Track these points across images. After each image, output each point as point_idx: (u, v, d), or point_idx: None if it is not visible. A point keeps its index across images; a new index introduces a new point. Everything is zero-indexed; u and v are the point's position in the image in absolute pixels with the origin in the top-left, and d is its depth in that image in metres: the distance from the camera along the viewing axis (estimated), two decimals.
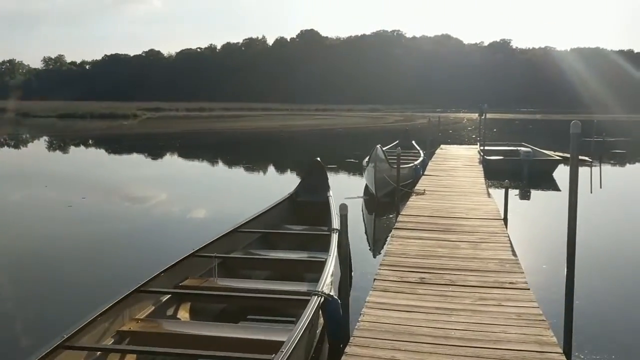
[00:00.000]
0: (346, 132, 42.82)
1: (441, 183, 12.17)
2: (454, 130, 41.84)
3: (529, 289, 5.21)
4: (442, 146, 21.72)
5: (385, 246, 7.13)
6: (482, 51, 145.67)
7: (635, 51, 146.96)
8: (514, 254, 6.47)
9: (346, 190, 13.54)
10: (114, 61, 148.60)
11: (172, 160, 24.09)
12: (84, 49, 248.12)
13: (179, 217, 11.66)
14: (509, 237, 7.37)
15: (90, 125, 49.22)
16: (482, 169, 14.81)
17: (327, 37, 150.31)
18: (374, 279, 5.53)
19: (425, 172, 13.91)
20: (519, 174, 15.47)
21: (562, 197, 14.07)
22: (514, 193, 14.22)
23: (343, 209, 4.84)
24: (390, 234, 7.75)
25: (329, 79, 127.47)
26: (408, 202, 9.84)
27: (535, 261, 7.48)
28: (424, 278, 5.51)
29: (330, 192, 8.23)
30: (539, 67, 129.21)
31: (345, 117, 67.84)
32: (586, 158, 20.09)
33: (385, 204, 11.48)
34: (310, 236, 7.00)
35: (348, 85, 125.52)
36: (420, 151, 17.52)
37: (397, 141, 19.84)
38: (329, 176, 8.89)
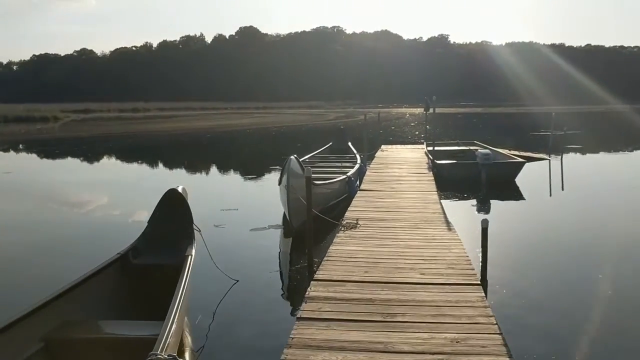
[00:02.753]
0: (284, 130, 39.57)
1: (382, 204, 9.00)
2: (396, 127, 39.31)
3: None
4: (383, 147, 18.75)
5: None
6: (421, 46, 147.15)
7: (567, 44, 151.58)
8: None
9: (261, 212, 10.33)
10: (44, 61, 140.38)
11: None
12: (10, 49, 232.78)
13: None
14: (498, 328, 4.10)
15: (5, 129, 43.75)
16: (432, 178, 11.82)
17: (266, 33, 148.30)
18: None
19: (363, 186, 10.78)
20: (476, 182, 12.72)
21: (528, 208, 11.42)
22: (470, 203, 11.55)
23: None
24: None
25: (270, 76, 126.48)
26: (330, 249, 6.29)
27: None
28: None
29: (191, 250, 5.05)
30: (476, 61, 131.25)
31: (285, 115, 66.17)
32: (544, 156, 17.71)
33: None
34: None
35: (289, 82, 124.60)
36: (357, 155, 14.45)
37: (330, 143, 16.77)
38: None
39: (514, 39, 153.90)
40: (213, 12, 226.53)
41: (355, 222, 7.43)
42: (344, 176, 10.49)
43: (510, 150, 18.08)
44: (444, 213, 8.34)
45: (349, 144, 16.55)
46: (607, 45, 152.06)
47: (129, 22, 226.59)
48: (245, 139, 32.53)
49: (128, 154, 24.83)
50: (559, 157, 17.99)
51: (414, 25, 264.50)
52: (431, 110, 16.12)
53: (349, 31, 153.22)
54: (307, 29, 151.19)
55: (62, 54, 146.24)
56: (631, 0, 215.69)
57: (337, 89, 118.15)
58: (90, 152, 25.32)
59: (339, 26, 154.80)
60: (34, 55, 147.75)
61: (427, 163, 14.01)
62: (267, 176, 15.70)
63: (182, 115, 65.81)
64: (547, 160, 17.20)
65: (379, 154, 16.73)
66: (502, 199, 12.15)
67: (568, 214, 10.79)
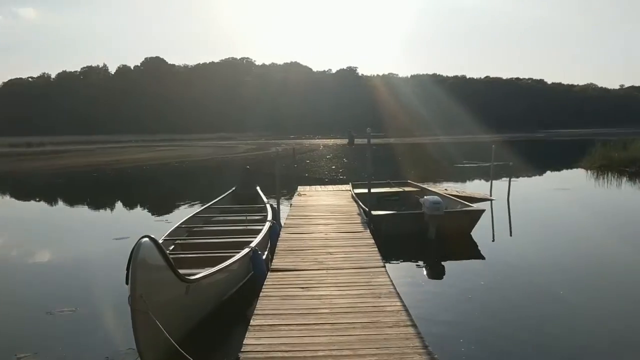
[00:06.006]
0: (186, 165, 35.33)
1: (304, 301, 5.58)
2: (311, 160, 36.30)
3: None
4: (300, 189, 15.39)
5: None
6: (331, 78, 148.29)
7: (468, 76, 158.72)
8: None
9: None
10: None
11: None
12: None
13: None
14: None
15: None
16: (372, 239, 8.53)
17: (173, 64, 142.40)
18: None
19: (274, 263, 7.25)
20: (422, 237, 9.73)
21: (490, 270, 8.49)
22: (416, 267, 8.70)
23: None
24: None
25: (178, 107, 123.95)
26: None
27: None
28: None
29: None
30: (383, 93, 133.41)
31: (192, 148, 62.49)
32: (488, 196, 15.17)
33: None
34: None
35: (199, 113, 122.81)
36: (268, 205, 10.99)
37: (234, 188, 13.22)
38: None
39: (418, 72, 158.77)
40: (116, 43, 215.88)
41: None
42: (245, 252, 6.92)
43: (446, 190, 15.44)
44: (405, 308, 5.16)
45: (258, 189, 13.08)
46: (504, 77, 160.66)
47: (26, 53, 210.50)
48: (135, 179, 28.00)
49: None
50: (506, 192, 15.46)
51: (323, 57, 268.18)
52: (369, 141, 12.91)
53: (258, 62, 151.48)
54: (216, 60, 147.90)
55: None
56: (526, 35, 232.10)
57: (248, 120, 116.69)
58: None
59: (248, 57, 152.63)
60: None
61: (359, 214, 10.75)
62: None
63: (78, 150, 59.77)
64: (491, 201, 14.66)
65: (295, 200, 13.28)
66: (457, 258, 9.23)
67: (539, 275, 8.14)
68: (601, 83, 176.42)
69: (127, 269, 4.49)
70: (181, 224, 9.42)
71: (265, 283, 6.29)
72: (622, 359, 5.28)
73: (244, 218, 10.46)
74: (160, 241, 7.94)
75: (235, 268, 6.55)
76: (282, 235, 8.99)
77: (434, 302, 6.72)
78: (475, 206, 10.94)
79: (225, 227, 9.53)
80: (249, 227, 9.29)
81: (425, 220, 9.85)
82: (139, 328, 4.39)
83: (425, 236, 9.90)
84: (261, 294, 5.89)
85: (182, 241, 8.49)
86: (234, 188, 13.35)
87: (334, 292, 5.86)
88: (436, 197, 9.96)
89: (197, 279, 5.32)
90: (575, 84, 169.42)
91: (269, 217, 9.86)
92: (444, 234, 9.83)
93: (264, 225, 9.04)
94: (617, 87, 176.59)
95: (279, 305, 5.45)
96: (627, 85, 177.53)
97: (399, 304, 5.31)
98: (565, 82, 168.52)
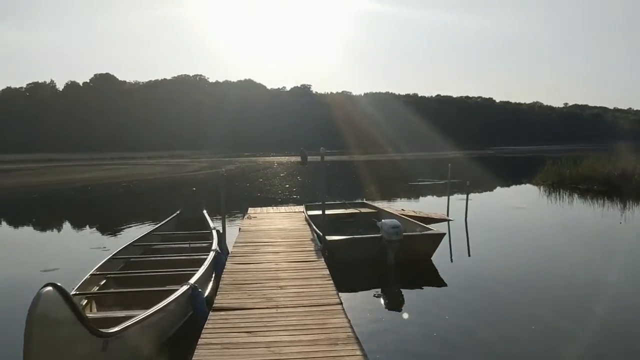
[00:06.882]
0: (135, 185, 33.71)
1: (252, 354, 4.79)
2: (264, 179, 35.45)
3: None
4: (251, 211, 14.56)
5: None
6: (285, 96, 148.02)
7: (420, 95, 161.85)
8: None
9: None
10: None
11: None
12: None
13: None
14: None
15: None
16: (326, 269, 7.81)
17: (124, 81, 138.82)
18: None
19: (217, 300, 6.43)
20: (380, 264, 9.12)
21: (452, 299, 7.94)
22: (373, 296, 8.10)
23: None
24: None
25: (129, 125, 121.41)
26: None
27: None
28: None
29: None
30: (337, 110, 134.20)
31: (143, 166, 60.42)
32: (445, 217, 14.77)
33: None
34: None
35: (151, 131, 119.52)
36: (214, 230, 10.16)
37: (178, 212, 12.30)
38: None
39: (372, 89, 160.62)
40: (63, 59, 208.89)
41: None
42: (182, 289, 6.07)
43: (403, 210, 14.95)
44: (366, 358, 4.45)
45: (205, 212, 12.20)
46: (454, 96, 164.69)
47: None
48: (76, 199, 26.41)
49: None
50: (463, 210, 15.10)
51: (277, 75, 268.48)
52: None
53: (212, 79, 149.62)
54: (169, 77, 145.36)
55: None
56: (475, 54, 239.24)
57: (204, 138, 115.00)
58: None
59: (201, 75, 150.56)
60: None
61: (312, 239, 10.03)
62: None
63: (19, 170, 56.86)
64: (449, 221, 14.25)
65: (245, 224, 12.43)
66: (417, 285, 8.63)
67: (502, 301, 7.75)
68: (546, 101, 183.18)
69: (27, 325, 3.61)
70: (116, 254, 8.50)
71: (205, 326, 5.49)
72: None
73: (187, 246, 9.59)
74: (88, 277, 7.03)
75: (171, 309, 5.71)
76: (228, 265, 8.17)
77: (396, 346, 6.01)
78: (435, 229, 10.41)
79: (166, 257, 8.66)
80: (192, 257, 8.44)
81: (383, 245, 9.24)
82: None
83: (383, 262, 9.28)
84: (200, 340, 5.09)
85: (115, 275, 7.59)
86: (178, 211, 12.43)
87: (284, 337, 5.11)
88: (395, 221, 9.35)
89: (117, 331, 4.45)
90: (523, 102, 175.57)
91: (214, 244, 9.03)
92: (403, 259, 9.24)
93: (208, 254, 8.21)
94: (561, 105, 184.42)
95: (219, 357, 4.66)
96: (570, 103, 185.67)
97: (358, 352, 4.62)
98: (513, 100, 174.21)
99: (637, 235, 13.13)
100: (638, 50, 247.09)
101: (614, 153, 28.00)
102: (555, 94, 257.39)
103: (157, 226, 11.34)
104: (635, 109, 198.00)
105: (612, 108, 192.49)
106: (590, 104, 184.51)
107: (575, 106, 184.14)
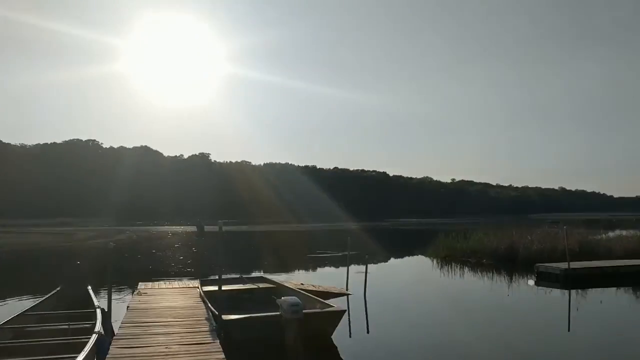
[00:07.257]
0: (6, 257, 30.49)
1: None
2: (158, 250, 33.77)
3: None
4: (141, 287, 13.58)
5: None
6: (182, 164, 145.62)
7: (318, 167, 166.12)
8: None
9: None
10: None
11: None
12: None
13: None
14: None
15: None
16: (222, 354, 7.29)
17: (9, 143, 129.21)
18: None
19: None
20: (279, 344, 8.73)
21: None
22: None
23: None
24: None
25: (14, 190, 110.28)
26: None
27: None
28: None
29: None
30: (237, 179, 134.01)
31: (22, 234, 56.77)
32: (344, 291, 14.71)
33: None
34: None
35: (37, 197, 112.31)
36: (98, 309, 9.27)
37: (59, 288, 11.19)
38: None
39: (272, 160, 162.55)
40: None
41: None
42: None
43: (302, 284, 14.72)
44: None
45: (89, 288, 11.18)
46: (351, 169, 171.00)
47: None
48: None
49: None
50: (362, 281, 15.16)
51: (173, 142, 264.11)
52: (223, 229, 11.74)
53: (106, 145, 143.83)
54: (59, 141, 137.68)
55: None
56: (371, 129, 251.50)
57: (94, 204, 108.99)
58: None
59: (95, 140, 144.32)
60: None
61: (207, 319, 9.45)
62: None
63: None
64: (348, 296, 14.18)
65: (134, 302, 11.49)
66: None
67: None
68: (436, 177, 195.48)
69: None
70: None
71: None
72: None
73: (66, 327, 8.62)
74: None
75: None
76: (113, 350, 7.38)
77: None
78: (335, 305, 10.24)
79: (41, 342, 7.67)
80: (71, 341, 7.56)
81: (282, 324, 8.88)
82: None
83: (282, 342, 8.88)
84: None
85: None
86: (58, 288, 11.30)
87: None
88: (294, 298, 9.08)
89: None
90: (414, 177, 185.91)
91: (97, 326, 8.18)
92: (303, 338, 8.91)
93: (89, 338, 7.39)
94: (449, 180, 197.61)
95: None
96: (458, 179, 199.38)
97: None
98: (405, 175, 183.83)
99: (521, 309, 13.79)
100: (519, 131, 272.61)
101: (500, 227, 29.96)
102: (444, 170, 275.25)
103: (33, 305, 10.18)
104: (514, 186, 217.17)
105: (494, 185, 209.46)
106: (476, 180, 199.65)
107: (463, 182, 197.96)
